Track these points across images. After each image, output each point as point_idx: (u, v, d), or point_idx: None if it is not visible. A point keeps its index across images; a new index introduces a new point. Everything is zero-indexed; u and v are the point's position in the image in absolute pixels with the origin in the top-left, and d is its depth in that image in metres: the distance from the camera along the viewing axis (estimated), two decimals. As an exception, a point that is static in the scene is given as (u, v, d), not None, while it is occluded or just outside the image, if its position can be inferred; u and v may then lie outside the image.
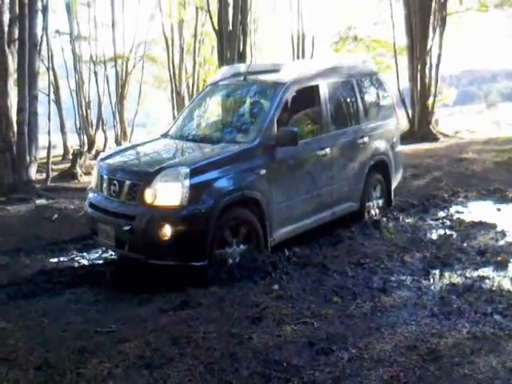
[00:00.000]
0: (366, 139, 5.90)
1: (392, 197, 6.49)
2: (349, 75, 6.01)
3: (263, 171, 4.67)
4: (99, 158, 5.29)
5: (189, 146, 5.15)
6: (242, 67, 6.04)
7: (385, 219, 5.96)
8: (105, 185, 4.71)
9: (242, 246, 4.56)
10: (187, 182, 4.19)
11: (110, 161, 5.02)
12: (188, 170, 4.23)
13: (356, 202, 5.87)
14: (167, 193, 4.23)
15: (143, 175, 4.45)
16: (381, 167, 6.20)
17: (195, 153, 4.90)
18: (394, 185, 6.53)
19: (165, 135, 5.68)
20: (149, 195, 4.25)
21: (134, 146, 5.79)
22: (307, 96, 5.40)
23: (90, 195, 5.00)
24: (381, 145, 6.16)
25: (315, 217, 5.34)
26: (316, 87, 5.46)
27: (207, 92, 6.16)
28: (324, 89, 5.51)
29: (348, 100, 5.95)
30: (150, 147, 5.43)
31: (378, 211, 6.21)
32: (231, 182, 4.48)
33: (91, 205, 4.89)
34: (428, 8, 15.00)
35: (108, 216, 4.57)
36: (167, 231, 4.15)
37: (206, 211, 4.24)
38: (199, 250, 4.24)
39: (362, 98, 6.07)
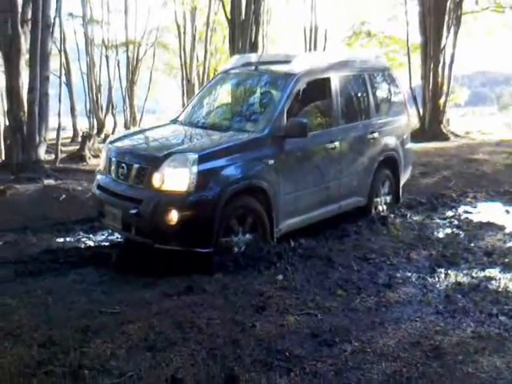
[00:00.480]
0: (376, 134, 5.85)
1: (400, 193, 6.44)
2: (361, 69, 5.95)
3: (271, 161, 4.64)
4: (108, 140, 5.29)
5: (198, 132, 5.14)
6: (253, 57, 6.03)
7: (392, 216, 5.92)
8: (113, 167, 4.71)
9: (247, 235, 4.56)
10: (195, 168, 4.19)
11: (119, 144, 5.02)
12: (196, 156, 4.22)
13: (363, 197, 5.83)
14: (175, 178, 4.23)
15: (151, 159, 4.46)
16: (390, 163, 6.15)
17: (204, 139, 4.90)
18: (402, 181, 6.48)
19: (174, 121, 5.67)
20: (156, 179, 4.25)
21: (143, 131, 5.78)
22: (318, 88, 5.35)
23: (98, 177, 5.00)
24: (391, 141, 6.10)
25: (322, 210, 5.31)
26: (327, 80, 5.42)
27: (218, 80, 6.14)
28: (335, 82, 5.46)
29: (359, 94, 5.91)
30: (159, 132, 5.43)
31: (385, 207, 6.17)
32: (239, 170, 4.47)
33: (99, 187, 4.89)
34: (443, 7, 14.87)
35: (115, 198, 4.57)
36: (174, 216, 4.14)
37: (212, 198, 4.23)
38: (205, 236, 4.23)
39: (374, 93, 6.01)
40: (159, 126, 5.79)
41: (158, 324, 3.23)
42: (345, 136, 5.49)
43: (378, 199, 6.10)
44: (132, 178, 4.48)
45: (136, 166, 4.46)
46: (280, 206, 4.74)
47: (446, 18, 14.97)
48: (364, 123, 5.82)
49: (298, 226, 5.07)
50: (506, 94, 45.00)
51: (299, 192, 4.99)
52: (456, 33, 15.08)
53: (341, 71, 5.63)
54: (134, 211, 4.27)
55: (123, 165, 4.57)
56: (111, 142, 5.09)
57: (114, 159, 4.73)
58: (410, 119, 6.85)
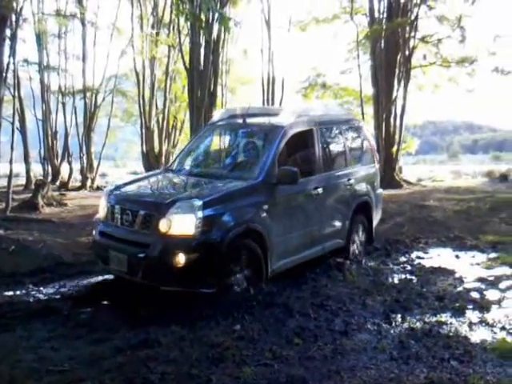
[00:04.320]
0: (352, 181, 6.34)
1: (373, 235, 6.89)
2: (337, 122, 6.52)
3: (265, 206, 4.97)
4: (108, 189, 5.48)
5: (196, 180, 5.43)
6: (238, 109, 6.38)
7: (348, 262, 6.02)
8: (117, 214, 4.89)
9: (246, 274, 4.78)
10: (200, 214, 4.46)
11: (120, 192, 5.24)
12: (201, 203, 4.50)
13: (343, 239, 6.22)
14: (181, 223, 4.47)
15: (157, 206, 4.67)
16: (364, 208, 6.61)
17: (204, 187, 5.13)
18: (374, 223, 6.93)
19: (167, 170, 6.10)
20: (163, 225, 4.47)
21: (141, 179, 6.04)
22: (303, 139, 5.77)
23: (99, 224, 5.15)
24: (364, 187, 6.65)
25: (308, 251, 5.65)
26: (310, 131, 5.85)
27: (206, 131, 6.57)
28: (317, 133, 5.91)
29: (337, 145, 6.43)
30: (157, 180, 5.76)
31: (361, 248, 6.59)
32: (238, 214, 4.75)
33: (102, 233, 5.03)
34: (393, 61, 15.80)
35: (121, 244, 4.73)
36: (181, 259, 4.36)
37: (216, 241, 4.49)
38: (210, 277, 4.47)
39: (349, 144, 6.57)
40: (155, 175, 6.16)
41: (109, 382, 3.11)
42: (326, 183, 5.89)
43: (355, 240, 6.48)
44: (138, 223, 4.67)
45: (142, 212, 4.66)
46: (273, 248, 5.01)
47: (397, 71, 15.88)
48: (342, 171, 6.28)
49: (288, 267, 5.34)
50: (454, 143, 47.48)
51: (289, 235, 5.30)
52: (406, 85, 15.97)
53: (321, 124, 6.08)
54: (141, 255, 4.46)
55: (128, 211, 4.77)
56: (112, 191, 5.27)
57: (117, 206, 4.92)
58: (378, 167, 7.31)
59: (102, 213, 5.22)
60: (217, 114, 6.76)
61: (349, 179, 6.28)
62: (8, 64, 9.74)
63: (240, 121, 5.96)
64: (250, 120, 5.90)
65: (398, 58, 15.84)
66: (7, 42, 9.98)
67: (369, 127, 16.38)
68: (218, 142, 6.38)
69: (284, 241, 5.20)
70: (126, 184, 5.59)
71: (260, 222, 4.90)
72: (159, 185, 5.61)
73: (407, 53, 15.99)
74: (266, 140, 5.53)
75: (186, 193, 5.05)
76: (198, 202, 4.51)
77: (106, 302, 4.88)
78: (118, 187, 5.39)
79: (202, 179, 5.37)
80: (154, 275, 4.49)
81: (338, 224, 6.11)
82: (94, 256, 5.30)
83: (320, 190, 5.71)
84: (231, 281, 4.64)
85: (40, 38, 17.27)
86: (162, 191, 5.44)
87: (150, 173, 6.77)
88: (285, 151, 5.50)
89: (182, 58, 14.52)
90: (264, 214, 4.94)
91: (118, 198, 5.07)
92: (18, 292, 5.19)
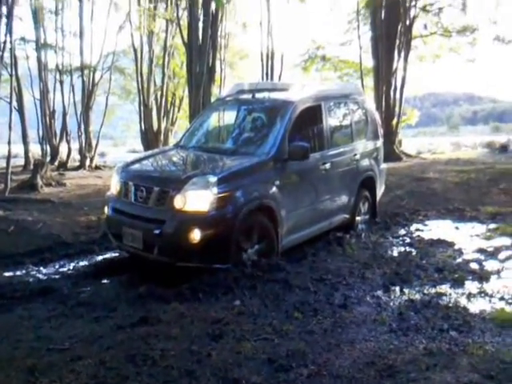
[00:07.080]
0: (357, 157, 6.36)
1: (377, 209, 6.93)
2: (344, 97, 6.49)
3: (277, 182, 5.02)
4: (119, 166, 5.43)
5: (207, 156, 5.43)
6: (247, 85, 6.40)
7: (348, 236, 6.01)
8: (130, 191, 4.88)
9: (258, 249, 4.85)
10: (215, 190, 4.49)
11: (133, 168, 5.25)
12: (216, 179, 4.53)
13: (348, 214, 6.27)
14: (197, 199, 4.49)
15: (172, 182, 4.71)
16: (368, 183, 6.64)
17: (218, 163, 5.13)
18: (378, 198, 6.99)
19: (177, 146, 6.07)
20: (178, 201, 4.50)
21: (153, 155, 6.01)
22: (312, 114, 5.77)
23: (112, 201, 5.14)
24: (369, 162, 6.67)
25: (317, 226, 5.73)
26: (319, 107, 5.84)
27: (216, 107, 6.60)
28: (325, 109, 5.90)
29: (344, 120, 6.43)
30: (169, 156, 5.72)
31: (365, 222, 6.68)
32: (251, 190, 4.80)
33: (114, 210, 5.03)
34: (394, 31, 15.52)
35: (135, 220, 4.73)
36: (196, 235, 4.39)
37: (231, 217, 4.53)
38: (225, 252, 4.51)
39: (355, 119, 6.55)
40: (166, 151, 6.16)
41: (109, 359, 3.11)
42: (334, 158, 5.92)
43: (360, 215, 6.56)
44: (152, 200, 4.67)
45: (156, 188, 4.66)
46: (284, 223, 5.08)
47: (397, 42, 15.61)
48: (348, 146, 6.30)
49: (297, 242, 5.40)
50: (455, 115, 47.12)
51: (299, 210, 5.37)
52: (406, 56, 15.71)
53: (329, 99, 6.08)
54: (157, 231, 4.48)
55: (142, 188, 4.77)
56: (124, 168, 5.24)
57: (130, 183, 4.91)
58: (382, 142, 7.28)
59: (113, 189, 5.21)
60: (226, 90, 6.85)
61: (355, 154, 6.33)
62: (5, 42, 9.56)
63: (249, 96, 5.95)
64: (259, 95, 5.89)
65: (399, 28, 15.55)
66: (3, 20, 9.77)
67: (369, 99, 16.29)
68: (228, 117, 6.35)
69: (294, 216, 5.23)
70: (137, 160, 5.58)
71: (272, 198, 4.93)
72: (172, 161, 5.64)
73: (408, 23, 15.69)
74: (277, 116, 5.49)
75: (200, 169, 5.07)
76: (213, 178, 4.53)
77: (105, 281, 4.92)
78: (129, 164, 5.38)
79: (214, 155, 5.37)
80: (169, 251, 4.51)
81: (344, 199, 6.17)
82: (107, 232, 5.30)
83: (328, 166, 5.76)
84: (244, 256, 4.69)
85: (36, 15, 16.96)
86: (176, 167, 5.49)
87: (161, 149, 6.86)
88: (294, 126, 5.47)
89: (181, 32, 14.24)
90: (276, 190, 4.97)
91: (130, 175, 5.06)
92: (17, 272, 5.22)
